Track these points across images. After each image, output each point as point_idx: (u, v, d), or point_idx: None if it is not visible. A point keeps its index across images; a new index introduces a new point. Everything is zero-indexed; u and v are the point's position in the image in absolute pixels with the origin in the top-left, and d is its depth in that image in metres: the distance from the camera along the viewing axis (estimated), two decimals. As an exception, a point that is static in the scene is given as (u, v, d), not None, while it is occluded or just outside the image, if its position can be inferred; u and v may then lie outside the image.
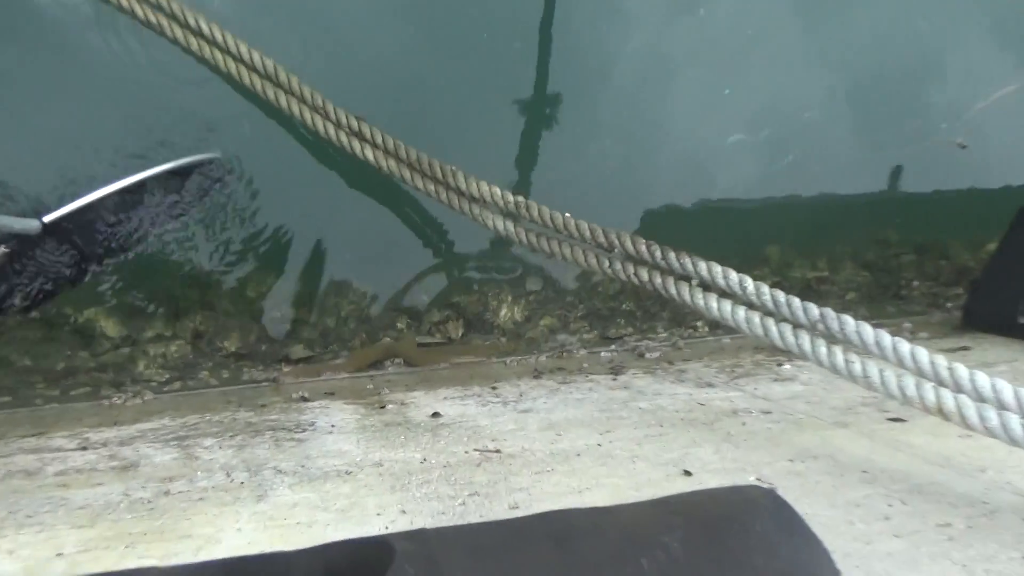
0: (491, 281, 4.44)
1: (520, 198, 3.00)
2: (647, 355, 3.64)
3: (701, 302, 2.50)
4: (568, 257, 2.83)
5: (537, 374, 3.37)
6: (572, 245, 2.88)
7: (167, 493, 2.16)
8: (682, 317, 4.40)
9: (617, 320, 4.39)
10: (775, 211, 4.68)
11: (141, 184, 3.29)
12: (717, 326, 4.26)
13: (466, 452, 2.39)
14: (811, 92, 4.72)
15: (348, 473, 2.25)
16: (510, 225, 3.00)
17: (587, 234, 2.79)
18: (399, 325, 4.34)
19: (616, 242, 2.71)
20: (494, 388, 3.17)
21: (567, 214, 2.91)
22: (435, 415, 2.75)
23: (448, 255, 4.42)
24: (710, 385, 3.09)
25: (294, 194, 4.29)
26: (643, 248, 2.64)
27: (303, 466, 2.32)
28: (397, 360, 3.86)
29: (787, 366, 3.32)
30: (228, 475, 2.27)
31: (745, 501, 1.00)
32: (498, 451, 2.39)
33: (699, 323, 4.31)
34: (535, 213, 2.92)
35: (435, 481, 2.17)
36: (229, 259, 4.28)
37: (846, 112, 4.75)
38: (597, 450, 2.38)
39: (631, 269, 2.68)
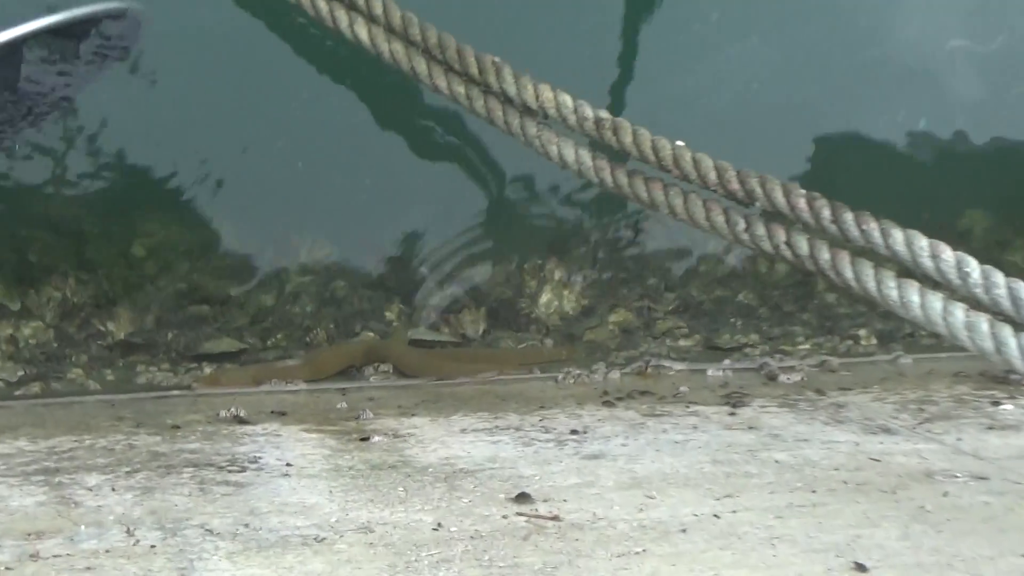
0: (532, 247, 4.39)
1: (605, 114, 2.97)
2: (782, 378, 3.63)
3: (894, 294, 2.48)
4: (679, 211, 2.80)
5: (607, 399, 3.36)
6: (686, 193, 2.83)
7: (35, 557, 2.14)
8: (834, 320, 4.37)
9: (730, 320, 4.35)
10: (991, 159, 4.63)
11: (13, 48, 3.25)
12: (890, 337, 4.24)
13: (504, 517, 2.38)
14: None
15: (320, 540, 2.24)
16: (585, 155, 2.96)
17: (712, 176, 2.75)
18: (387, 313, 4.31)
19: (759, 191, 2.69)
20: (542, 418, 3.16)
21: (679, 142, 2.87)
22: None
23: (467, 200, 4.35)
24: (886, 431, 3.07)
25: (234, 84, 4.19)
26: (802, 204, 2.62)
27: (247, 525, 2.32)
28: (383, 367, 3.85)
29: (1008, 405, 3.30)
30: (129, 533, 2.26)
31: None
32: (556, 518, 2.38)
33: (861, 331, 4.29)
34: (627, 138, 2.87)
35: (458, 559, 2.16)
36: (118, 188, 4.23)
37: None
38: (713, 524, 2.37)
39: (781, 236, 2.65)
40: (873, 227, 2.55)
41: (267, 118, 4.24)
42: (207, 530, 2.28)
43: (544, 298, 4.21)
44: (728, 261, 4.50)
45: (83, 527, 2.30)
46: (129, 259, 4.10)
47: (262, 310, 4.18)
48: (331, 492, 2.52)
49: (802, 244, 2.65)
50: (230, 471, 2.67)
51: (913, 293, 2.49)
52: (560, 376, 3.60)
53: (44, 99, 3.73)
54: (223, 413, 3.18)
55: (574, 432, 3.03)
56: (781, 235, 2.67)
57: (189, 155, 4.18)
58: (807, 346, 4.19)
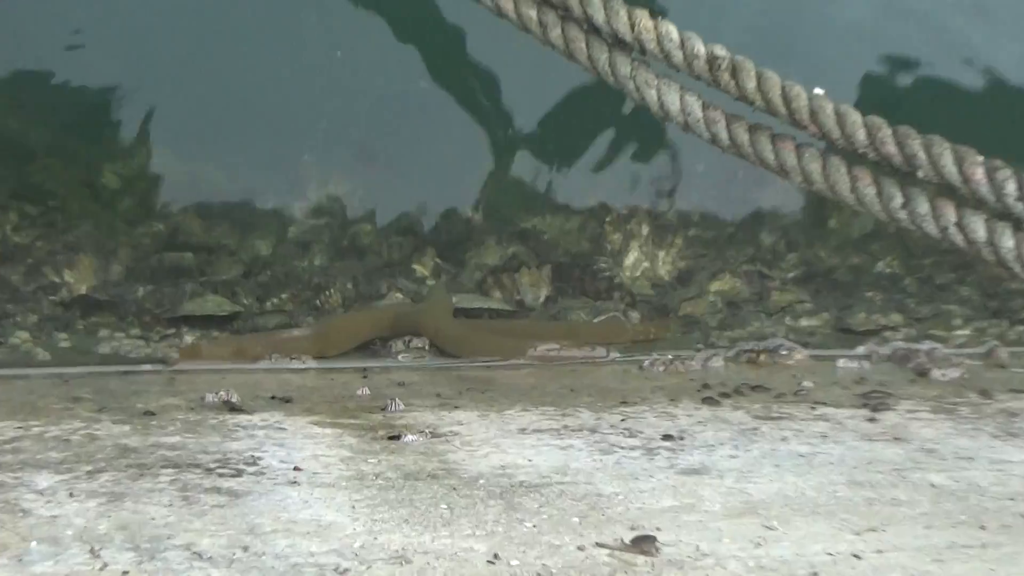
0: (616, 190, 4.36)
1: (721, 51, 2.95)
2: (935, 373, 3.60)
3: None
4: (816, 179, 2.80)
5: (709, 395, 3.35)
6: (826, 156, 2.83)
7: (-28, 582, 2.15)
8: (1002, 299, 4.35)
9: (866, 294, 4.33)
10: None
11: None
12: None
13: (580, 548, 2.35)
14: None
15: (342, 572, 2.21)
16: (694, 103, 2.94)
17: (860, 135, 2.75)
18: (419, 270, 4.31)
19: (922, 156, 2.67)
20: (624, 417, 3.15)
21: (818, 90, 2.88)
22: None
23: (530, 126, 4.34)
24: (1076, 450, 3.04)
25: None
26: (979, 174, 2.60)
27: (246, 549, 2.30)
28: (415, 341, 3.86)
29: None
30: (94, 554, 2.24)
31: None
32: (647, 552, 2.36)
33: (1034, 315, 4.28)
34: (750, 83, 2.86)
35: (521, 606, 2.14)
36: (86, 99, 4.24)
37: None
38: (852, 568, 2.33)
39: (951, 215, 2.63)
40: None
41: (277, 13, 4.22)
42: (194, 553, 2.26)
43: (630, 257, 4.18)
44: (867, 216, 4.45)
45: (34, 543, 2.28)
46: (96, 190, 4.10)
47: (259, 261, 4.17)
48: (354, 508, 2.50)
49: (978, 227, 2.62)
50: (221, 475, 2.66)
51: None
52: (647, 361, 3.60)
53: None
54: (210, 397, 3.18)
55: (667, 437, 3.01)
56: (950, 214, 2.64)
57: (174, 60, 4.17)
58: (966, 331, 4.17)
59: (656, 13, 3.00)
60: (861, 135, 2.70)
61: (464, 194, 4.34)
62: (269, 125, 4.36)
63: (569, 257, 4.24)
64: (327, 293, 4.08)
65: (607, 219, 4.26)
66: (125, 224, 4.21)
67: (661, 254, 4.24)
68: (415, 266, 4.25)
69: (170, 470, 2.68)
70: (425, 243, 4.25)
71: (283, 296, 4.08)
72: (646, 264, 4.22)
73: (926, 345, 3.89)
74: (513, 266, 4.18)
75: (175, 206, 4.29)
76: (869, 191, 2.71)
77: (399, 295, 4.10)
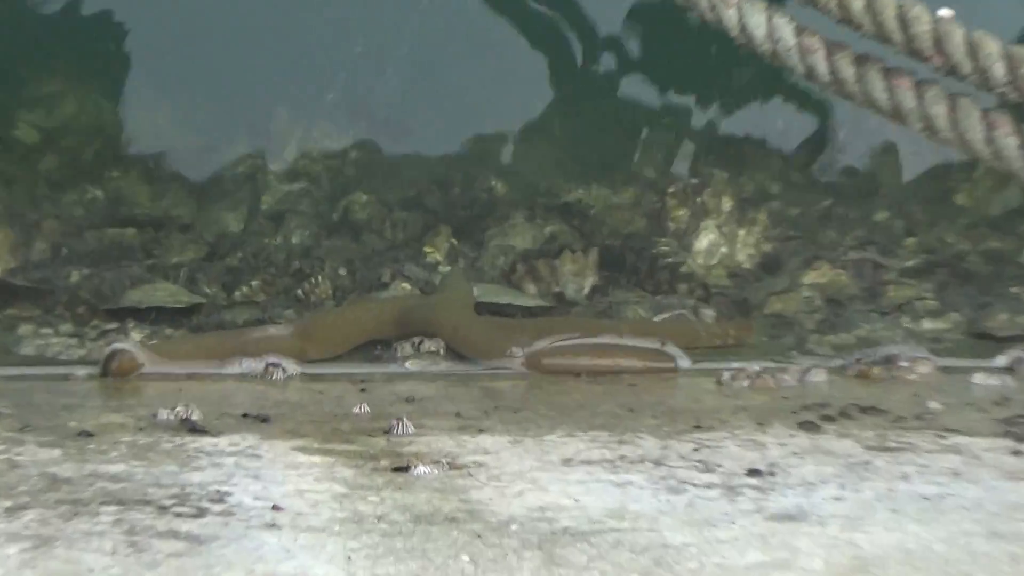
0: (681, 154, 4.36)
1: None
2: (1094, 392, 3.62)
3: None
4: (941, 126, 2.81)
5: (807, 419, 3.36)
6: (954, 97, 2.85)
7: None
8: None
9: (1008, 291, 4.33)
10: None
11: None
12: None
13: (643, 621, 2.37)
14: None
15: (334, 643, 2.23)
16: (785, 27, 2.95)
17: (998, 69, 2.76)
18: (430, 253, 4.30)
19: None
20: (697, 446, 3.16)
21: (945, 11, 2.90)
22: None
23: (568, 71, 4.35)
24: None
25: None
26: None
27: (211, 612, 2.31)
28: (427, 344, 3.88)
29: None
30: (17, 618, 2.27)
31: None
32: (729, 622, 2.37)
33: None
34: (856, 1, 2.88)
35: None
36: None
37: None
38: (998, 649, 2.35)
39: None
40: None
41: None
42: (147, 619, 2.27)
43: (703, 240, 4.19)
44: (1010, 187, 4.47)
45: (-61, 600, 2.30)
46: (10, 145, 4.12)
47: (224, 239, 4.18)
48: (350, 559, 2.48)
49: None
50: (179, 515, 2.65)
51: None
52: (727, 374, 3.60)
53: None
54: (164, 414, 3.19)
55: (754, 472, 3.01)
56: None
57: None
58: None
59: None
60: (999, 70, 2.70)
61: (487, 157, 4.35)
62: (236, 65, 4.36)
63: (620, 238, 4.24)
64: (313, 281, 4.08)
65: (669, 190, 4.25)
66: (49, 190, 4.21)
67: (741, 234, 4.23)
68: (425, 248, 4.26)
69: (113, 508, 2.67)
70: (438, 219, 4.25)
71: (255, 284, 4.08)
72: (724, 247, 4.22)
73: (1087, 358, 3.89)
74: (551, 250, 4.17)
75: (114, 167, 4.29)
76: (1009, 142, 2.70)
77: (405, 285, 4.11)
